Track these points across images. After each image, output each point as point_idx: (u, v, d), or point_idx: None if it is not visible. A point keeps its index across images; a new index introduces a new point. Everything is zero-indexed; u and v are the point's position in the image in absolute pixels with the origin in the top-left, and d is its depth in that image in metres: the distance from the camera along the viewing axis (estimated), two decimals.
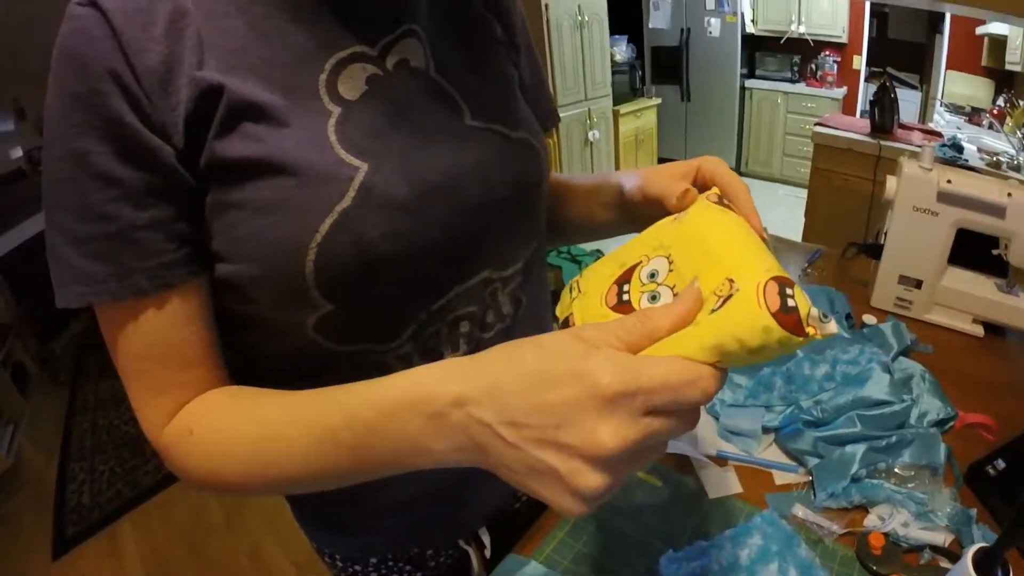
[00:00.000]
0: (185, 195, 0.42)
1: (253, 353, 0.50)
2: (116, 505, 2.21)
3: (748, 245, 0.37)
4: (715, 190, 0.45)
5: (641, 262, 0.41)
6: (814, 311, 0.31)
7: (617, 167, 4.13)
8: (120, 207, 0.40)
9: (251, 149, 0.41)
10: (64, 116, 0.39)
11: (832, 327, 0.31)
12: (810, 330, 0.30)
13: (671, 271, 0.39)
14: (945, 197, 1.01)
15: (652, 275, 0.40)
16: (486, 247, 0.51)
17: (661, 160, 4.84)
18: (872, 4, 4.21)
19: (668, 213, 0.46)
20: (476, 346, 0.52)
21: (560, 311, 0.43)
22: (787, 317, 0.30)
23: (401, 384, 0.35)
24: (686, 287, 0.35)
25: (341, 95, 0.44)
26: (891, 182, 1.07)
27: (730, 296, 0.32)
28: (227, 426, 0.42)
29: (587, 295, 0.42)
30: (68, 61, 0.39)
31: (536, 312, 0.59)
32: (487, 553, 0.71)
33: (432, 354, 0.50)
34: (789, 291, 0.31)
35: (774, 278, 0.32)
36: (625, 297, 0.39)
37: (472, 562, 0.71)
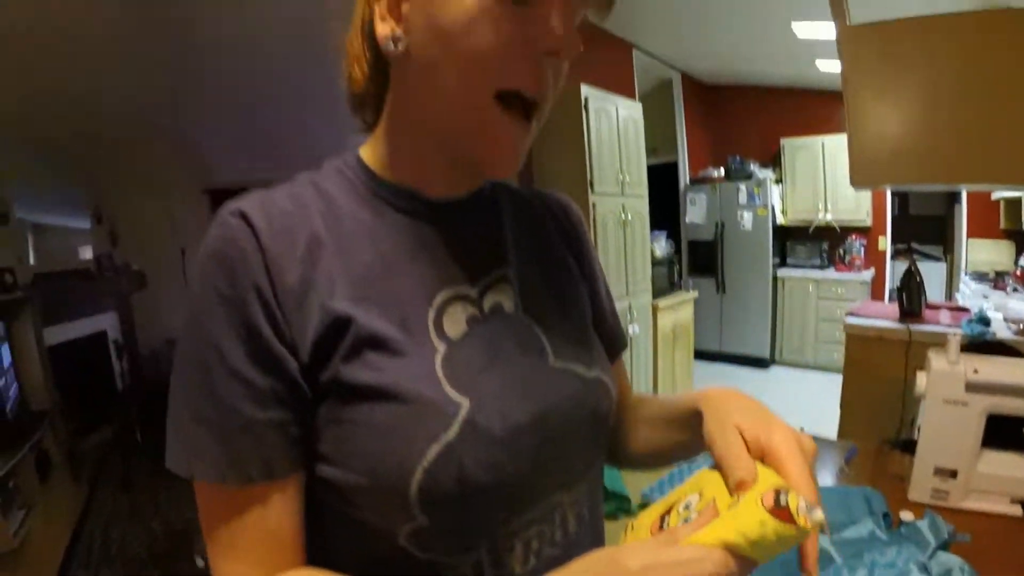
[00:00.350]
0: (301, 403, 0.46)
1: (338, 547, 0.52)
2: None
3: (765, 473, 0.44)
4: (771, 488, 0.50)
5: (680, 499, 0.49)
6: (801, 504, 0.37)
7: (655, 361, 4.11)
8: (244, 403, 0.44)
9: (372, 377, 0.45)
10: (210, 311, 0.45)
11: (818, 515, 0.37)
12: (800, 520, 0.36)
13: (700, 499, 0.46)
14: (973, 387, 1.06)
15: (687, 506, 0.47)
16: (560, 473, 0.55)
17: (697, 352, 4.86)
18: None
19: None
20: (541, 560, 0.55)
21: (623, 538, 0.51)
22: (779, 511, 0.37)
23: None
24: (705, 506, 0.42)
25: (446, 332, 0.50)
26: (921, 378, 1.12)
27: (736, 502, 0.40)
28: None
29: (637, 531, 0.50)
30: (218, 264, 0.45)
31: (594, 526, 0.62)
32: None
33: (501, 566, 0.52)
34: (784, 495, 0.38)
35: (774, 488, 0.39)
36: (664, 526, 0.47)
37: None
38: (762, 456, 0.44)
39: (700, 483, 0.48)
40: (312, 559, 0.50)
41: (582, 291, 0.66)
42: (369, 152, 0.56)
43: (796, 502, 0.37)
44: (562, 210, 0.70)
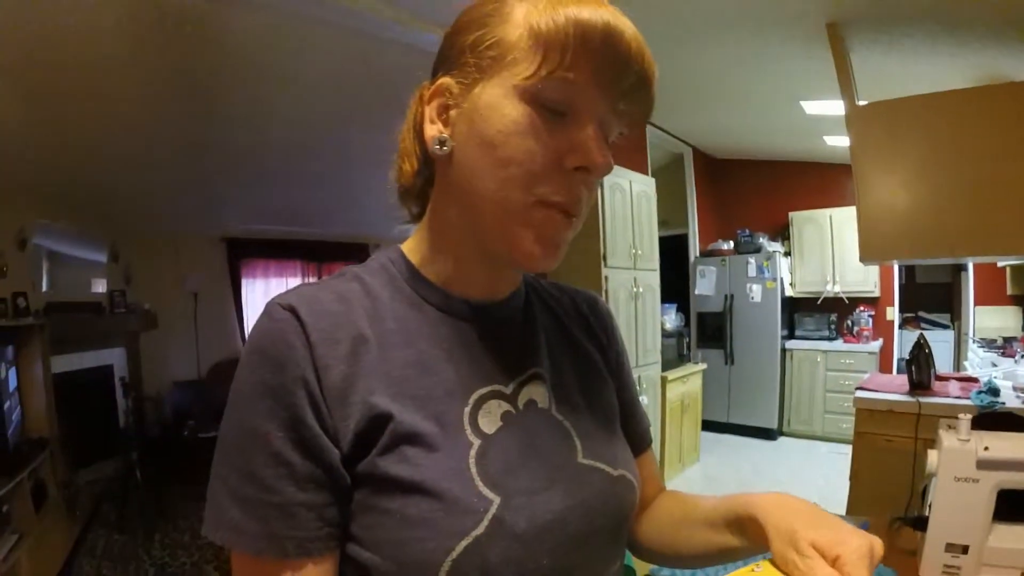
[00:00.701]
0: (339, 489, 0.48)
1: None
2: None
3: None
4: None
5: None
6: None
7: (663, 432, 4.12)
8: (285, 484, 0.46)
9: (407, 471, 0.48)
10: (255, 398, 0.47)
11: None
12: None
13: None
14: (984, 464, 1.06)
15: None
16: (581, 569, 0.56)
17: (704, 422, 4.87)
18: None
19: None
20: None
21: None
22: None
23: None
24: None
25: (481, 428, 0.52)
26: (932, 456, 1.13)
27: None
28: None
29: None
30: (266, 356, 0.48)
31: None
32: None
33: None
34: None
35: None
36: None
37: None
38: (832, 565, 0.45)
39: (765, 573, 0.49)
40: None
41: (609, 388, 0.68)
42: (412, 247, 0.60)
43: None
44: (590, 306, 0.73)
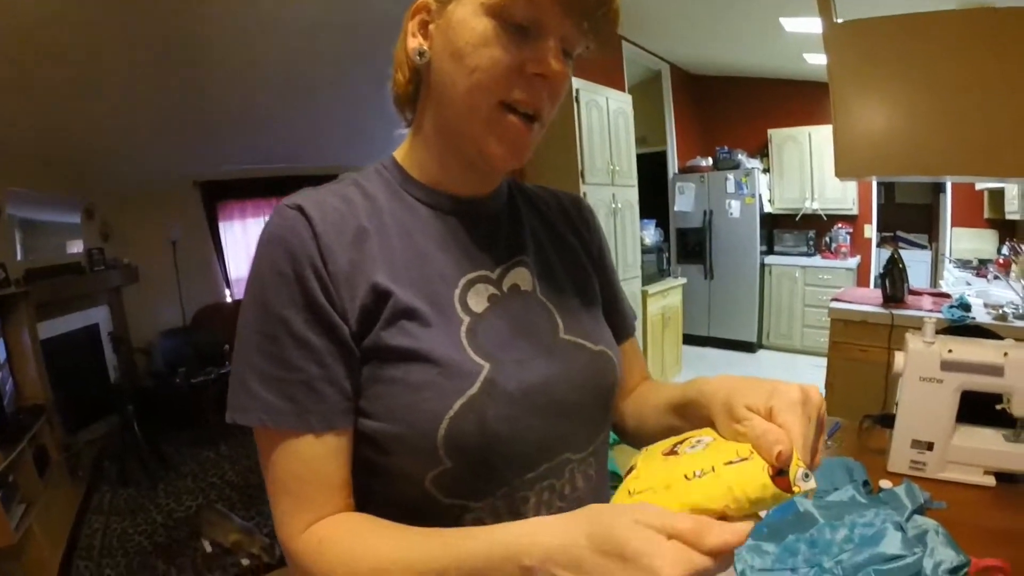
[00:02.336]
0: (352, 363, 0.55)
1: (373, 494, 0.59)
2: None
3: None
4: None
5: (694, 435, 0.54)
6: (799, 471, 0.42)
7: (645, 345, 4.25)
8: (307, 363, 0.53)
9: (407, 342, 0.54)
10: (273, 286, 0.53)
11: (811, 484, 0.42)
12: (796, 488, 0.41)
13: (712, 441, 0.51)
14: (948, 365, 1.12)
15: (699, 441, 0.52)
16: (569, 434, 0.62)
17: (685, 336, 5.00)
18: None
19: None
20: (551, 511, 0.60)
21: (630, 464, 0.56)
22: (780, 480, 0.42)
23: (503, 537, 0.45)
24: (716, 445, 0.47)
25: (470, 307, 0.59)
26: (899, 357, 1.19)
27: (745, 459, 0.44)
28: (357, 546, 0.51)
29: (651, 453, 0.55)
30: (278, 246, 0.53)
31: (599, 486, 0.69)
32: None
33: (516, 514, 0.58)
34: (787, 462, 0.42)
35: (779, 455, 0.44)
36: (676, 450, 0.52)
37: None
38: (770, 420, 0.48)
39: (712, 431, 0.54)
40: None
41: (591, 278, 0.74)
42: (403, 153, 0.66)
43: (795, 471, 0.42)
44: (574, 205, 0.79)
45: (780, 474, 0.42)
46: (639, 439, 0.76)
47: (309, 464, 0.54)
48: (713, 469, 0.44)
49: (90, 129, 3.68)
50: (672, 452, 0.52)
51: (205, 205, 5.42)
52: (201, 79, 3.46)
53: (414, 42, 0.60)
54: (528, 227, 0.70)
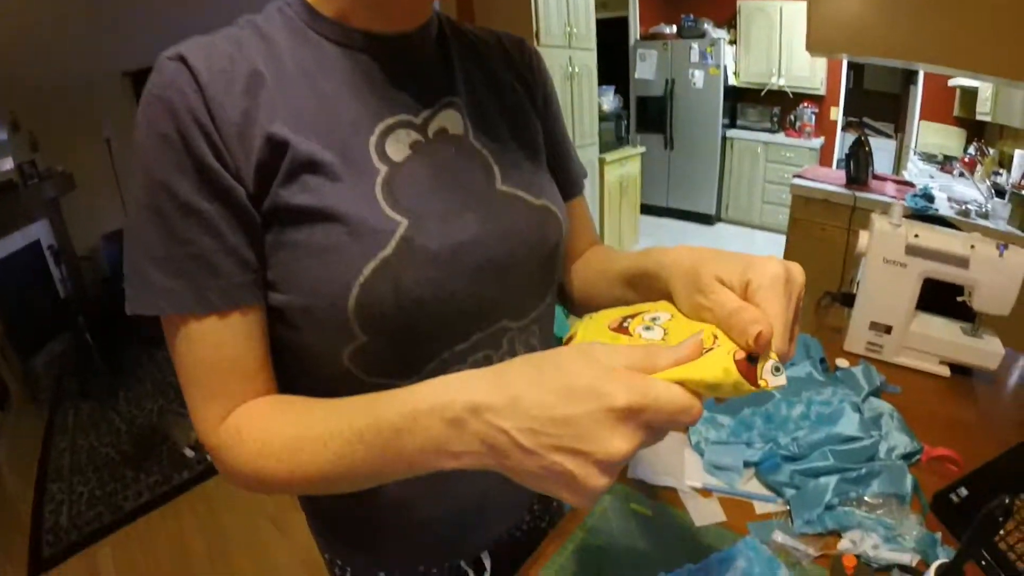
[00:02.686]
0: (252, 229, 0.48)
1: (291, 377, 0.55)
2: (95, 528, 2.17)
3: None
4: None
5: (648, 310, 0.47)
6: (769, 364, 0.36)
7: (601, 214, 4.26)
8: (199, 234, 0.46)
9: (309, 198, 0.47)
10: (154, 152, 0.45)
11: (781, 380, 0.36)
12: (762, 382, 0.36)
13: (672, 319, 0.44)
14: (913, 250, 1.10)
15: (654, 319, 0.45)
16: (505, 300, 0.57)
17: (643, 206, 4.99)
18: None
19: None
20: None
21: (569, 333, 0.49)
22: (747, 367, 0.36)
23: (424, 391, 0.40)
24: (691, 336, 0.38)
25: (388, 156, 0.51)
26: (863, 237, 1.16)
27: (709, 349, 0.38)
28: (270, 428, 0.47)
29: (595, 321, 0.48)
30: (159, 106, 0.45)
31: None
32: (487, 574, 0.75)
33: None
34: (755, 356, 0.37)
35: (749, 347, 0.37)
36: (626, 325, 0.45)
37: None
38: (744, 298, 0.41)
39: (671, 307, 0.47)
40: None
41: (535, 126, 0.65)
42: None
43: (765, 362, 0.36)
44: (516, 47, 0.69)
45: (749, 362, 0.36)
46: (585, 309, 0.70)
47: (217, 349, 0.48)
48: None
49: None
50: (621, 328, 0.44)
51: (137, 97, 4.99)
52: None
53: None
54: (460, 68, 0.60)
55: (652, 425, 0.35)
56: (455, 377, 0.40)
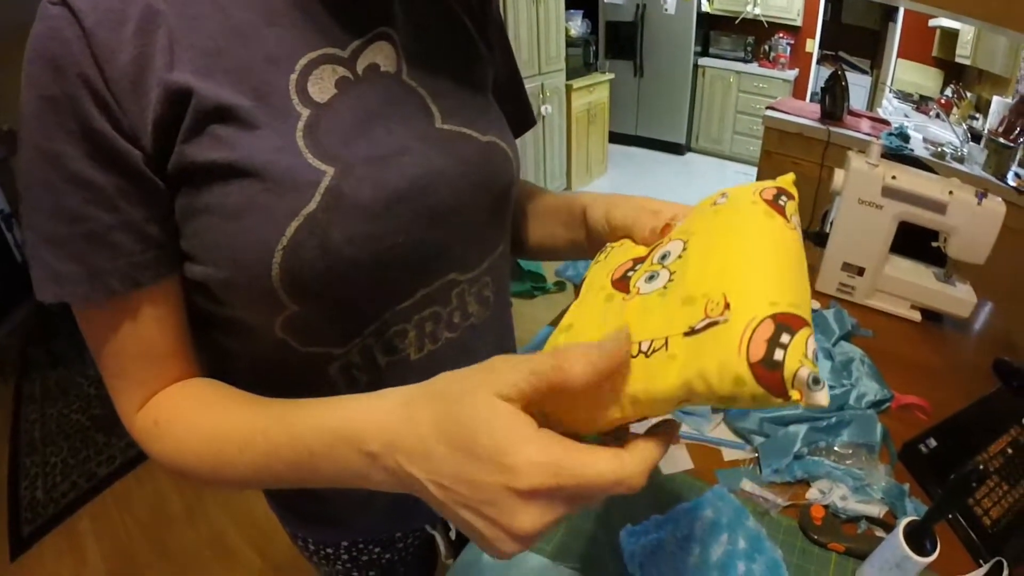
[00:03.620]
0: (155, 198, 0.42)
1: (223, 350, 0.51)
2: (72, 498, 2.13)
3: (771, 263, 0.32)
4: (773, 183, 0.40)
5: (662, 245, 0.40)
6: (803, 372, 0.26)
7: (569, 142, 4.16)
8: (91, 209, 0.40)
9: (219, 153, 0.41)
10: (38, 118, 0.39)
11: (822, 397, 0.26)
12: (794, 394, 0.26)
13: (680, 257, 0.37)
14: (889, 192, 1.07)
15: (664, 256, 0.39)
16: (453, 250, 0.52)
17: (612, 135, 4.91)
18: None
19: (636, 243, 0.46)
20: (440, 344, 0.53)
21: (587, 271, 0.45)
22: (768, 373, 0.26)
23: (340, 416, 0.37)
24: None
25: (311, 96, 0.45)
26: (839, 175, 1.13)
27: (716, 322, 0.29)
28: (187, 422, 0.44)
29: (608, 262, 0.44)
30: (41, 63, 0.39)
31: (501, 310, 0.60)
32: (452, 535, 0.74)
33: (393, 351, 0.51)
34: (785, 339, 0.26)
35: (774, 316, 0.27)
36: (629, 275, 0.39)
37: (439, 544, 0.74)
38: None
39: (692, 224, 0.41)
40: (204, 368, 0.49)
41: (483, 60, 0.59)
42: None
43: (796, 366, 0.26)
44: None
45: (769, 365, 0.26)
46: (525, 250, 0.69)
47: (121, 333, 0.44)
48: (666, 345, 0.30)
49: None
50: (623, 280, 0.39)
51: None
52: None
53: None
54: None
55: (574, 500, 0.31)
56: (368, 404, 0.37)
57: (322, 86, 0.45)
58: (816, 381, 0.25)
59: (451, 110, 0.51)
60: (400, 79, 0.50)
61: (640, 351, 0.32)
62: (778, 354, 0.26)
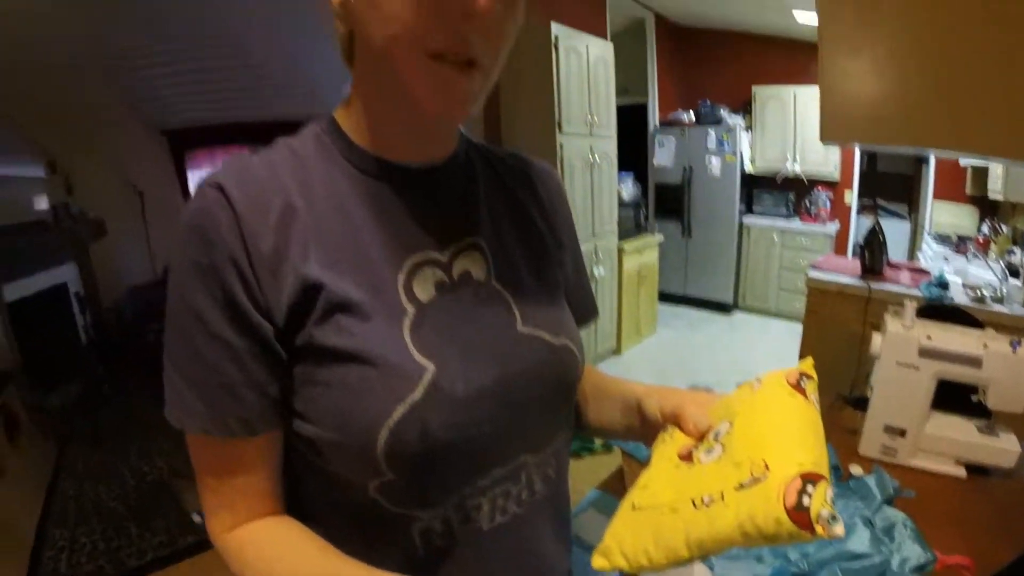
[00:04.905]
0: (277, 365, 0.50)
1: (318, 496, 0.57)
2: None
3: (796, 433, 0.44)
4: (796, 369, 0.52)
5: (714, 424, 0.51)
6: (824, 512, 0.36)
7: (620, 303, 4.25)
8: (225, 364, 0.49)
9: (341, 340, 0.49)
10: (188, 277, 0.48)
11: (839, 529, 0.35)
12: (819, 528, 0.36)
13: (729, 433, 0.48)
14: (926, 352, 1.11)
15: (716, 434, 0.49)
16: (526, 436, 0.58)
17: (661, 294, 5.04)
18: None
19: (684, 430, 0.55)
20: (507, 516, 0.58)
21: (654, 445, 0.55)
22: (799, 514, 0.36)
23: None
24: (730, 438, 0.45)
25: (416, 295, 0.53)
26: (876, 340, 1.18)
27: (759, 480, 0.40)
28: (267, 559, 0.52)
29: (673, 441, 0.53)
30: (196, 234, 0.48)
31: (559, 486, 0.66)
32: None
33: (469, 522, 0.56)
34: (809, 489, 0.37)
35: (801, 474, 0.38)
36: (692, 451, 0.50)
37: None
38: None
39: (733, 404, 0.52)
40: (288, 508, 0.56)
41: (555, 259, 0.68)
42: (342, 112, 0.57)
43: (818, 508, 0.36)
44: (541, 178, 0.71)
45: (799, 509, 0.36)
46: (598, 432, 0.76)
47: (229, 469, 0.52)
48: (723, 497, 0.41)
49: (44, 77, 3.51)
50: (687, 457, 0.49)
51: (173, 154, 5.21)
52: (159, 23, 3.33)
53: None
54: (486, 202, 0.63)
55: None
56: None
57: (424, 287, 0.54)
58: (833, 518, 0.36)
59: (530, 314, 0.60)
60: (490, 285, 0.59)
61: (703, 504, 0.42)
62: (805, 500, 0.37)
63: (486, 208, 0.62)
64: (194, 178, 5.37)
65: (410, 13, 0.46)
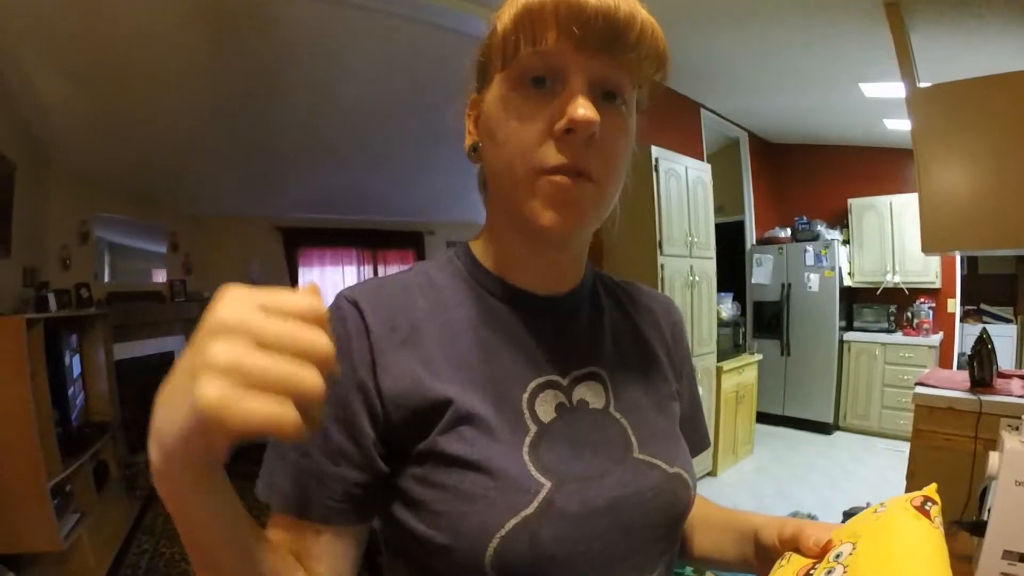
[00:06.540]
0: (372, 475, 0.53)
1: None
2: None
3: (921, 558, 0.44)
4: (920, 493, 0.52)
5: (836, 545, 0.51)
6: None
7: (716, 423, 4.06)
8: (322, 457, 0.51)
9: (463, 449, 0.51)
10: None
11: None
12: None
13: (851, 554, 0.47)
14: None
15: (838, 555, 0.48)
16: (634, 558, 0.58)
17: (760, 415, 4.82)
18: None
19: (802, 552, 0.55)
20: None
21: (771, 573, 0.55)
22: None
23: None
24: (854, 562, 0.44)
25: (537, 415, 0.56)
26: (993, 458, 1.07)
27: None
28: None
29: (791, 564, 0.52)
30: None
31: None
32: None
33: None
34: None
35: None
36: (811, 572, 0.48)
37: None
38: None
39: (857, 527, 0.51)
40: None
41: (671, 389, 0.69)
42: (476, 241, 0.64)
43: None
44: (663, 311, 0.74)
45: None
46: (702, 562, 0.74)
47: (297, 553, 0.52)
48: None
49: (175, 163, 3.92)
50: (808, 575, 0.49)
51: (286, 249, 5.71)
52: (285, 122, 3.65)
53: (468, 139, 0.60)
54: (609, 332, 0.66)
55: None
56: None
57: (545, 408, 0.57)
58: None
59: (647, 441, 0.61)
60: (608, 412, 0.60)
61: None
62: None
63: (610, 337, 0.65)
64: (304, 273, 5.83)
65: (518, 135, 0.51)
